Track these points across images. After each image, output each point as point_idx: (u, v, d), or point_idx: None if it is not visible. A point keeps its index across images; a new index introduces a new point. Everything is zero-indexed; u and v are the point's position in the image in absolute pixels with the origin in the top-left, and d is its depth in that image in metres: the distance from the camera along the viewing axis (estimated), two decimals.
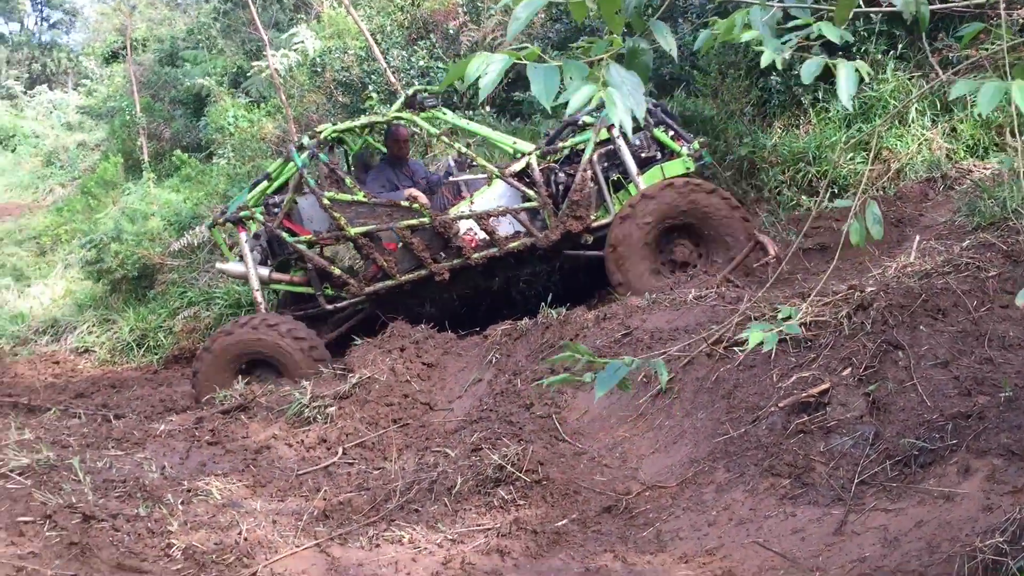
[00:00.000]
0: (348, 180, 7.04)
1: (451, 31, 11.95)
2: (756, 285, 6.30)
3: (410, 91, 7.58)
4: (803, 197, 8.06)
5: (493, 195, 7.14)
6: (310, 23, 14.91)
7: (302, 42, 13.82)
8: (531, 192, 6.95)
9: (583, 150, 6.97)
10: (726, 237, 6.55)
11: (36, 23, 38.93)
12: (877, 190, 7.79)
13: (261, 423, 5.80)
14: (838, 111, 8.35)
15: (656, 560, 3.58)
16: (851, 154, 8.02)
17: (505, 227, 7.11)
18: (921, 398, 3.82)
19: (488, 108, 10.86)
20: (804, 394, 4.06)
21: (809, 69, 2.20)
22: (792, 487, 3.72)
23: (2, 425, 5.71)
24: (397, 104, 7.45)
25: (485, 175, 7.39)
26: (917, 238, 5.79)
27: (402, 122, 7.43)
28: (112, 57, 25.53)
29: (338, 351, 7.34)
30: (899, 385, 3.93)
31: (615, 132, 6.80)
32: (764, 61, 2.20)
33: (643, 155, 6.93)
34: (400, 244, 7.05)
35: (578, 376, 2.47)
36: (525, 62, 1.87)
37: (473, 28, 11.69)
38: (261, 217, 7.16)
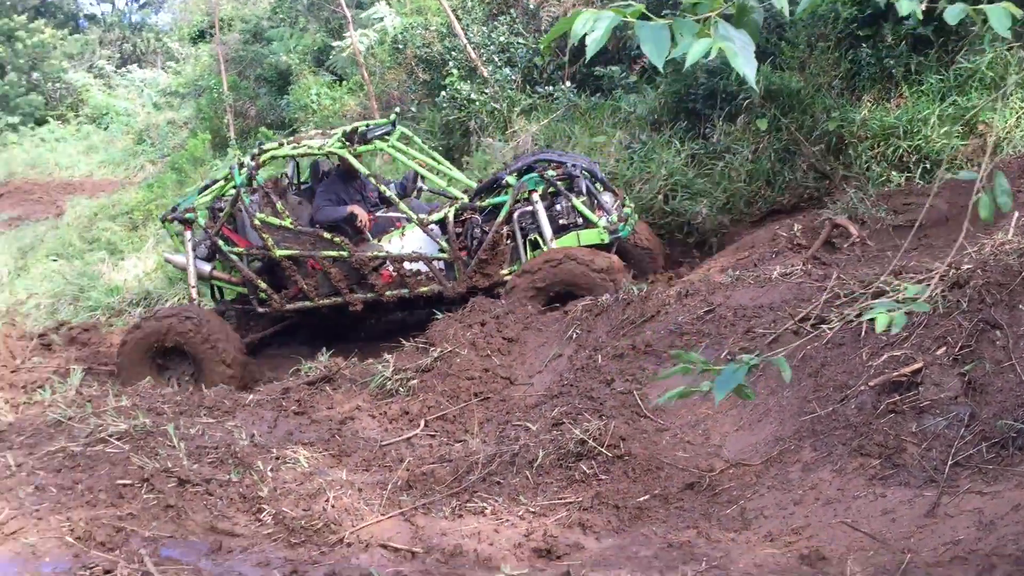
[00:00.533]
0: (280, 205, 7.39)
1: (531, 6, 11.90)
2: (843, 262, 6.16)
3: (349, 127, 7.75)
4: (893, 173, 7.83)
5: (418, 235, 7.36)
6: (389, 1, 14.99)
7: (382, 19, 13.90)
8: (444, 244, 7.19)
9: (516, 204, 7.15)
10: None
11: (126, 4, 39.98)
12: (973, 166, 7.52)
13: (345, 395, 5.92)
14: (931, 84, 8.08)
15: (740, 538, 3.55)
16: (945, 128, 7.76)
17: (424, 264, 7.34)
18: (1020, 379, 3.69)
19: (568, 83, 10.80)
20: (896, 373, 3.96)
21: (953, 12, 2.13)
22: (882, 468, 3.64)
23: (100, 392, 5.94)
24: (335, 137, 7.55)
25: (430, 202, 7.90)
26: (1016, 214, 5.57)
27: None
28: (199, 37, 26.10)
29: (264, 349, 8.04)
30: (996, 365, 3.81)
31: (534, 197, 7.01)
32: (903, 10, 2.13)
33: (561, 221, 7.10)
34: (322, 271, 7.38)
35: (695, 388, 2.43)
36: (631, 20, 1.84)
37: (554, 3, 11.60)
38: (203, 222, 7.54)
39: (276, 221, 7.32)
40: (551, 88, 10.93)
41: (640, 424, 4.69)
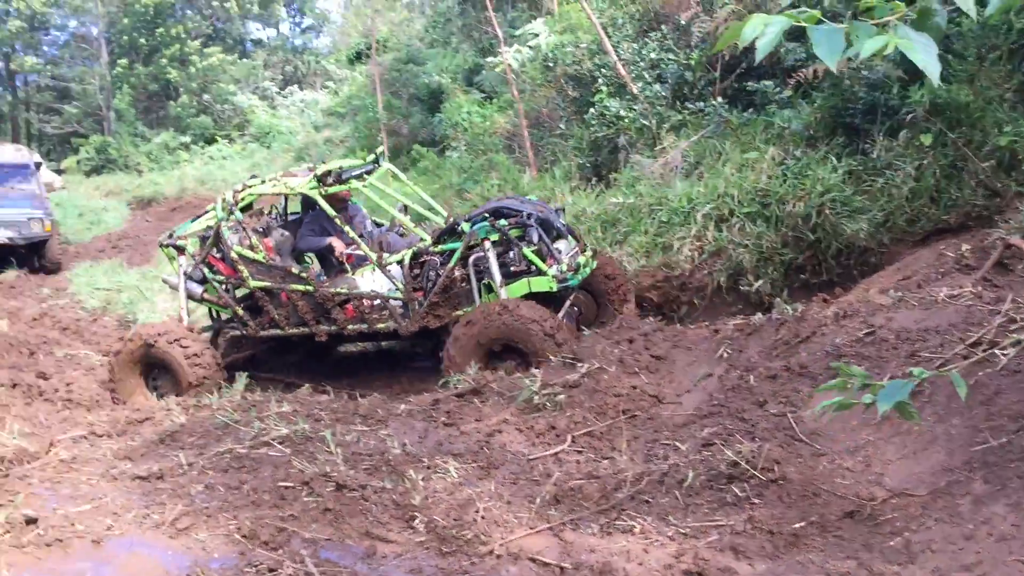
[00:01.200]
0: (254, 240, 7.73)
1: (683, 22, 11.78)
2: (1018, 285, 5.81)
3: (320, 169, 7.94)
4: None
5: (389, 271, 7.59)
6: (546, 19, 15.17)
7: (536, 35, 14.07)
8: (399, 284, 7.46)
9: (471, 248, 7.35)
10: (539, 354, 6.69)
11: (290, 28, 42.03)
12: None
13: (493, 408, 5.99)
14: None
15: (905, 572, 3.39)
16: None
17: (381, 287, 7.59)
18: None
19: (719, 99, 10.63)
20: None
21: None
22: None
23: (264, 399, 6.23)
24: (310, 178, 7.81)
25: (407, 236, 8.17)
26: None
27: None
28: (356, 58, 27.14)
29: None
30: None
31: (486, 245, 7.23)
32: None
33: (512, 268, 7.32)
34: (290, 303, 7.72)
35: (853, 399, 2.34)
36: (804, 24, 1.82)
37: (705, 18, 11.45)
38: (192, 250, 8.04)
39: (250, 255, 7.70)
40: (701, 104, 10.79)
41: (795, 448, 4.55)
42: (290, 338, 8.04)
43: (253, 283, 7.69)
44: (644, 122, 10.98)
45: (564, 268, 7.17)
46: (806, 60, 9.75)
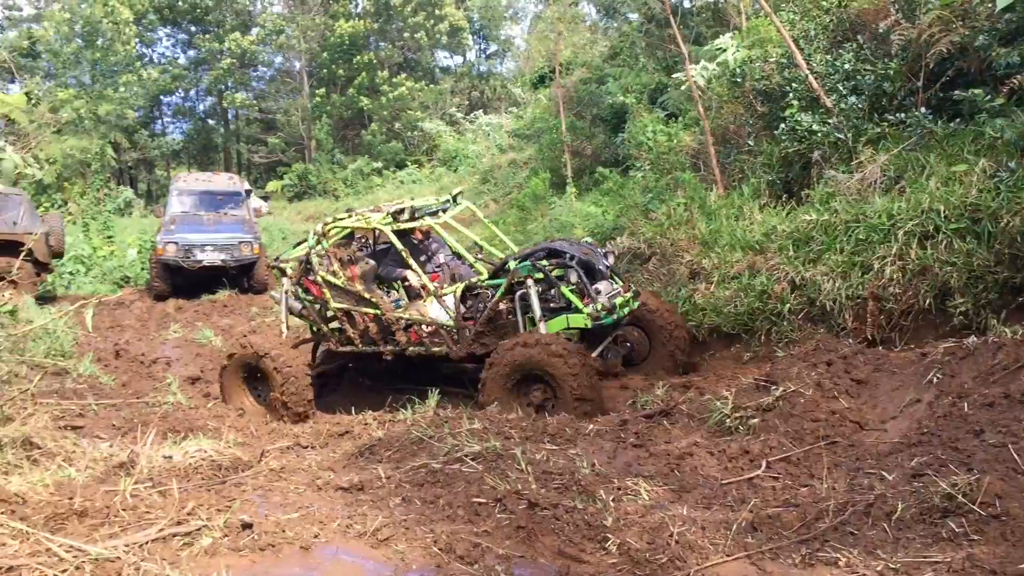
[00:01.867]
0: (336, 266, 8.47)
1: (881, 30, 11.24)
2: None
3: (393, 207, 8.60)
4: None
5: (449, 301, 8.17)
6: (733, 33, 14.87)
7: (723, 51, 13.81)
8: (451, 313, 8.06)
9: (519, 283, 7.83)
10: (569, 390, 6.92)
11: (476, 55, 43.26)
12: None
13: (683, 430, 5.89)
14: None
15: None
16: None
17: (442, 315, 8.17)
18: None
19: (923, 109, 10.05)
20: None
21: None
22: None
23: (455, 414, 6.38)
24: (384, 215, 8.46)
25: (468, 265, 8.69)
26: None
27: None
28: (539, 81, 27.58)
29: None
30: None
31: (529, 283, 7.73)
32: None
33: (553, 305, 7.84)
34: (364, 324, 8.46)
35: None
36: None
37: (907, 25, 10.87)
38: (290, 272, 8.86)
39: (332, 279, 8.45)
40: (902, 115, 10.23)
41: (1019, 482, 4.19)
42: (363, 354, 8.67)
43: (333, 304, 8.48)
44: (839, 136, 10.55)
45: (600, 307, 7.54)
46: (1020, 66, 9.08)
